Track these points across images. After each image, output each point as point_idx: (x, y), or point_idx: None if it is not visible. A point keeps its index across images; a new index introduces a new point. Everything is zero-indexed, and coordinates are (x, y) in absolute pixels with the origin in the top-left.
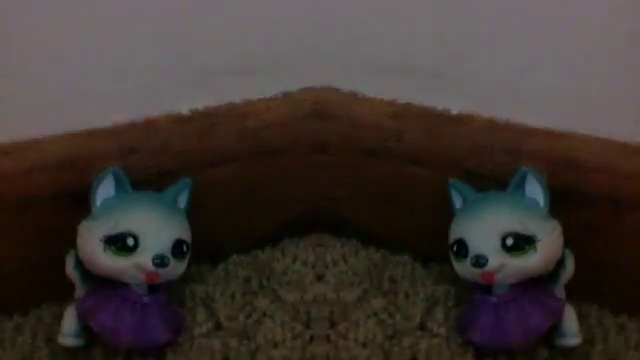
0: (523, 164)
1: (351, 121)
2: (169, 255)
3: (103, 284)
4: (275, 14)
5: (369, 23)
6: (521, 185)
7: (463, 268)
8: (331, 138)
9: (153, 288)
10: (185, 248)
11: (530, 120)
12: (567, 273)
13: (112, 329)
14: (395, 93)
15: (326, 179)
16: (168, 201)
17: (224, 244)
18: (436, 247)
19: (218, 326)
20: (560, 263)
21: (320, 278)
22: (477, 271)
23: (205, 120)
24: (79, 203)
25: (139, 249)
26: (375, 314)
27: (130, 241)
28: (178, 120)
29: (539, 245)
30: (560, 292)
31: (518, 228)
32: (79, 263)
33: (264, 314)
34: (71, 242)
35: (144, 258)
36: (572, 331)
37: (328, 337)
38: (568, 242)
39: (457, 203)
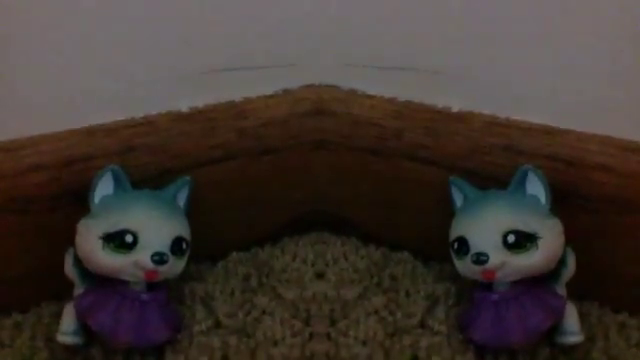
0: (524, 162)
1: (351, 119)
2: (168, 252)
3: (102, 282)
4: (274, 12)
5: (369, 21)
6: (522, 183)
7: (464, 266)
8: (331, 136)
9: (152, 286)
10: (184, 245)
11: (531, 118)
12: (568, 271)
13: (111, 327)
14: (395, 91)
15: (326, 177)
16: (167, 199)
17: (223, 242)
18: (437, 245)
19: (217, 324)
20: (561, 261)
21: (320, 276)
22: (478, 269)
23: (204, 118)
24: (79, 201)
25: (138, 246)
26: (376, 312)
27: (129, 238)
28: (177, 118)
29: (540, 243)
30: (561, 290)
31: (519, 226)
32: (78, 261)
33: (263, 312)
34: (70, 240)
35: (143, 255)
36: (573, 329)
37: (328, 335)
38: (568, 241)
39: (458, 201)
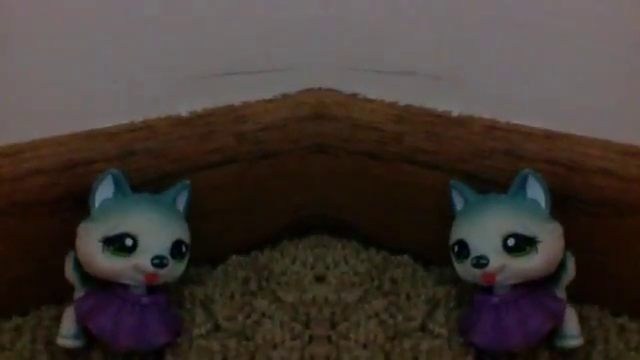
0: (524, 167)
1: (351, 123)
2: (168, 256)
3: (102, 286)
4: (274, 16)
5: (370, 25)
6: (522, 187)
7: (464, 269)
8: (331, 140)
9: (152, 289)
10: (184, 249)
11: (531, 123)
12: (568, 275)
13: (111, 331)
14: (396, 95)
15: (326, 181)
16: (167, 202)
17: (223, 245)
18: (437, 248)
19: (217, 327)
20: (561, 265)
21: (319, 279)
22: (478, 272)
23: (204, 122)
24: (79, 205)
25: (138, 250)
26: (376, 315)
27: (129, 242)
28: (177, 122)
29: (540, 246)
30: (561, 294)
31: (519, 229)
32: (78, 265)
33: (263, 315)
34: (71, 244)
35: (143, 259)
36: (573, 332)
37: (329, 338)
38: (568, 244)
39: (458, 204)
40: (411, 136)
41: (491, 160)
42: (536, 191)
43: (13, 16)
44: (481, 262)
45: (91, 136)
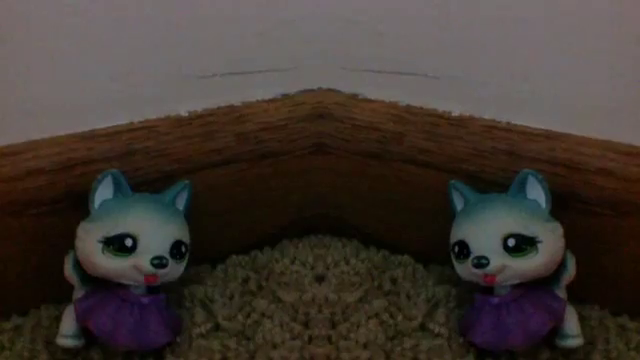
0: (524, 167)
1: (351, 123)
2: (168, 256)
3: (102, 285)
4: (274, 15)
5: (370, 24)
6: (522, 187)
7: (464, 269)
8: (331, 140)
9: (152, 289)
10: (184, 249)
11: (531, 123)
12: (568, 275)
13: (111, 331)
14: (396, 95)
15: (326, 181)
16: (167, 202)
17: (223, 245)
18: (437, 248)
19: (217, 327)
20: (562, 265)
21: (319, 279)
22: (478, 272)
23: (204, 122)
24: (78, 205)
25: (137, 250)
26: (376, 315)
27: (128, 242)
28: (177, 122)
29: (541, 246)
30: (561, 293)
31: (520, 229)
32: (78, 264)
33: (263, 315)
34: (70, 244)
35: (142, 259)
36: (573, 332)
37: (329, 338)
38: (569, 244)
39: (458, 204)
40: (411, 136)
41: (491, 160)
42: (536, 191)
43: (13, 16)
44: (481, 262)
45: (91, 136)
